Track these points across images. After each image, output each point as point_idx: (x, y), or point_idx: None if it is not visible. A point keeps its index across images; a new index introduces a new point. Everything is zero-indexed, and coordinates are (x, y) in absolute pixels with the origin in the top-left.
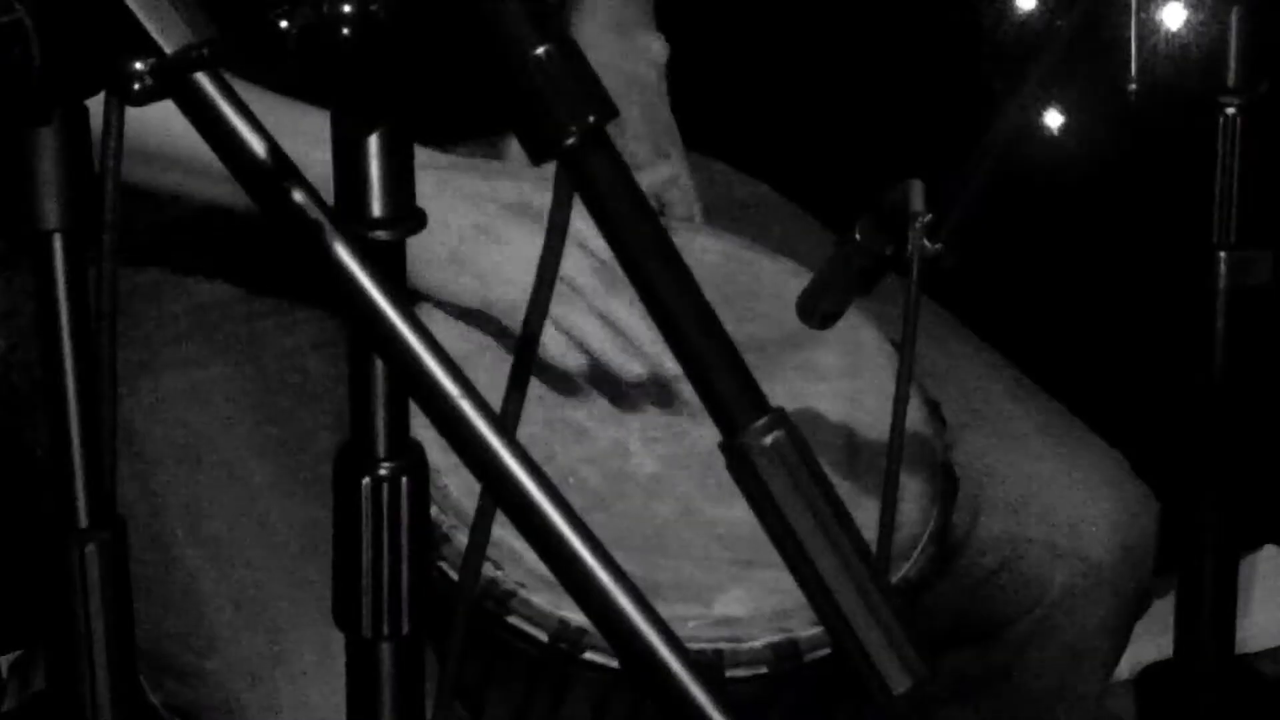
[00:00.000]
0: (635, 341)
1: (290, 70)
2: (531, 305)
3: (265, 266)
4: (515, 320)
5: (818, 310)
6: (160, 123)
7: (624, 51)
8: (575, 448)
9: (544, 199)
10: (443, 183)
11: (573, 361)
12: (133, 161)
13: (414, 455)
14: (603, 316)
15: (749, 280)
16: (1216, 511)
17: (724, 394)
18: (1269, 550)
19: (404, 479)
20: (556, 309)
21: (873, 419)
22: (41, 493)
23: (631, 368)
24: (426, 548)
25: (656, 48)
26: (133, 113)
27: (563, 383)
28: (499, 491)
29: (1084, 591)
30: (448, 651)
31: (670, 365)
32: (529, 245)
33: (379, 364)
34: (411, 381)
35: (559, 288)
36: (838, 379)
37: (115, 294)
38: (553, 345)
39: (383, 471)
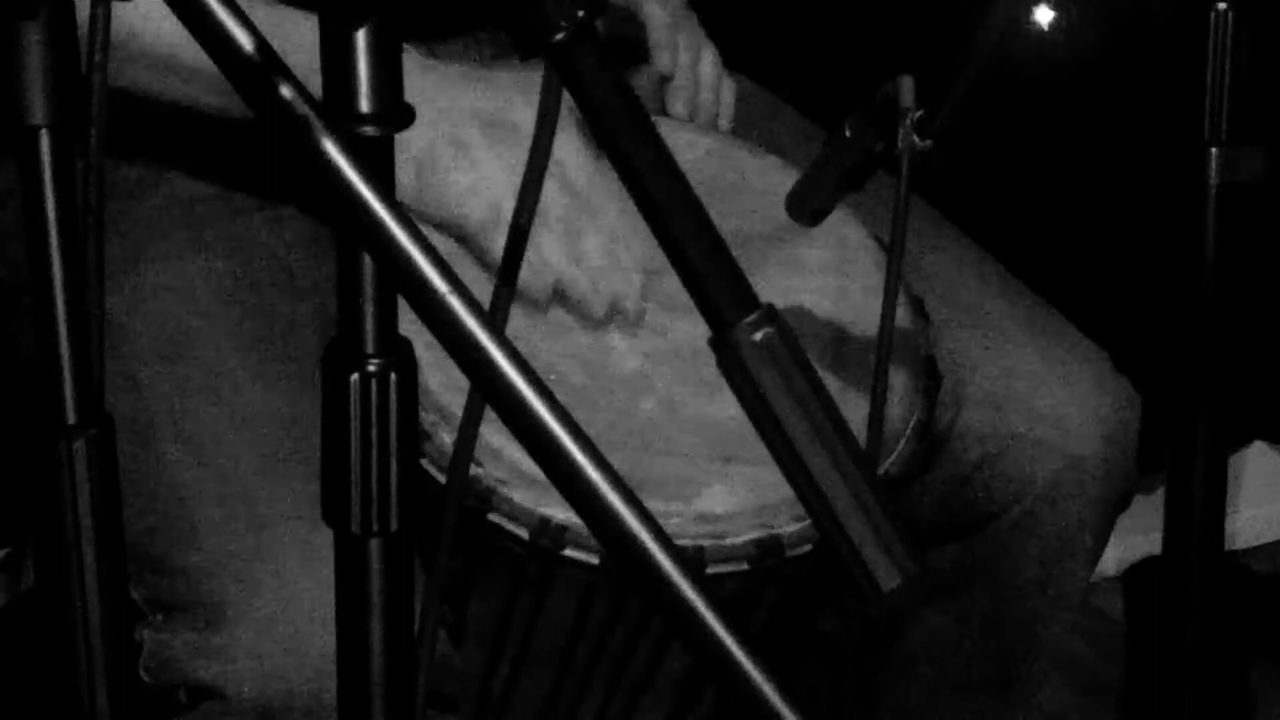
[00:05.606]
0: (600, 282)
1: None
2: (520, 200)
3: (250, 162)
4: (483, 238)
5: (806, 206)
6: (145, 23)
7: None
8: (557, 344)
9: (527, 114)
10: (420, 94)
11: (539, 287)
12: (119, 63)
13: (402, 351)
14: (571, 253)
15: (735, 175)
16: (1207, 408)
17: (713, 290)
18: (1258, 446)
19: (393, 375)
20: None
21: (858, 314)
22: (28, 389)
23: (595, 309)
24: (415, 444)
25: None
26: (119, 15)
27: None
28: (488, 388)
29: (1067, 486)
30: (438, 547)
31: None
32: (502, 163)
33: (367, 260)
34: (400, 277)
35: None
36: (824, 275)
37: (103, 189)
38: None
39: (371, 368)
